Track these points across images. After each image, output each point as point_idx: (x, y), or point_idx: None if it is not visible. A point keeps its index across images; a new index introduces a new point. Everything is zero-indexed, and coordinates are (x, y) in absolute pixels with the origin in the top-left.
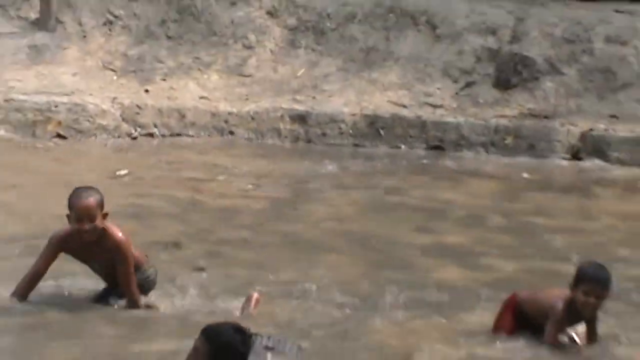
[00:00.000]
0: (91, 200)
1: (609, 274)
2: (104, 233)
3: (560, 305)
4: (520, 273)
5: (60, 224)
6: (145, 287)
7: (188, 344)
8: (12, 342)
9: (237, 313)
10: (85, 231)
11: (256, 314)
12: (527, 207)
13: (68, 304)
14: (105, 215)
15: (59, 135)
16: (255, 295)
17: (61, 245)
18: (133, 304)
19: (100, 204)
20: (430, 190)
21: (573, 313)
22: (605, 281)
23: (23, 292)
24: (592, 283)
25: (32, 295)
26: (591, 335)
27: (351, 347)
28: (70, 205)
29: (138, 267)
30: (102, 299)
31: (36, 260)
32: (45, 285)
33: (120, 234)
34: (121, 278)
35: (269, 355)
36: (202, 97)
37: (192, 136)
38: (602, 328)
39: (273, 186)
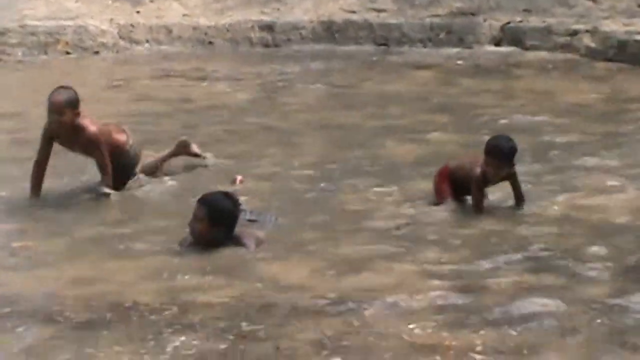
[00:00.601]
0: (58, 97)
1: (513, 146)
2: (79, 127)
3: (477, 172)
4: (455, 145)
5: None
6: (130, 167)
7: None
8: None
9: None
10: (51, 122)
11: (241, 191)
12: (460, 89)
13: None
14: (77, 113)
15: (67, 53)
16: (239, 177)
17: (51, 135)
18: (108, 187)
19: (70, 102)
20: (379, 83)
21: (487, 178)
22: (509, 153)
23: (34, 189)
24: (497, 155)
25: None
26: (517, 196)
27: (319, 212)
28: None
29: (120, 152)
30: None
31: (36, 155)
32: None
33: (92, 128)
34: (97, 165)
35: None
36: (184, 15)
37: (175, 48)
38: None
39: (249, 86)
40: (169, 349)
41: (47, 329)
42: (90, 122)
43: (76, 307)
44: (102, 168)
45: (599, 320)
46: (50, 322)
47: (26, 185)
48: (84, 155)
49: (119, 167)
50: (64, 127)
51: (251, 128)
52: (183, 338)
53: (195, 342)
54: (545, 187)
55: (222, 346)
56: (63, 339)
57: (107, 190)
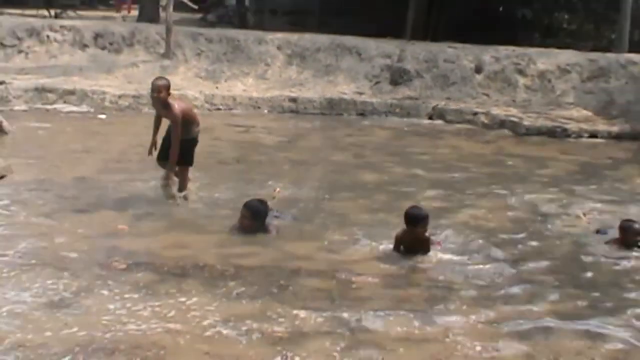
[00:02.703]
0: (158, 81)
1: (423, 213)
2: (167, 105)
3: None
4: (401, 174)
5: None
6: (190, 145)
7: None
8: None
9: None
10: (153, 98)
11: (277, 198)
12: (405, 143)
13: None
14: (168, 93)
15: None
16: (277, 189)
17: (154, 105)
18: (172, 169)
19: (165, 86)
20: (357, 136)
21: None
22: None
23: (153, 140)
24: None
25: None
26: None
27: (319, 213)
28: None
29: (189, 125)
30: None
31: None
32: None
33: (176, 107)
34: (172, 137)
35: (275, 219)
36: (244, 90)
37: (238, 110)
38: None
39: (280, 134)
40: (232, 293)
41: (153, 275)
42: (178, 103)
43: (170, 264)
44: (174, 141)
45: None
46: (155, 271)
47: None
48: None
49: (188, 134)
50: (159, 102)
51: (278, 159)
52: (238, 285)
53: (244, 288)
54: (452, 205)
55: (260, 290)
56: (163, 282)
57: (182, 194)
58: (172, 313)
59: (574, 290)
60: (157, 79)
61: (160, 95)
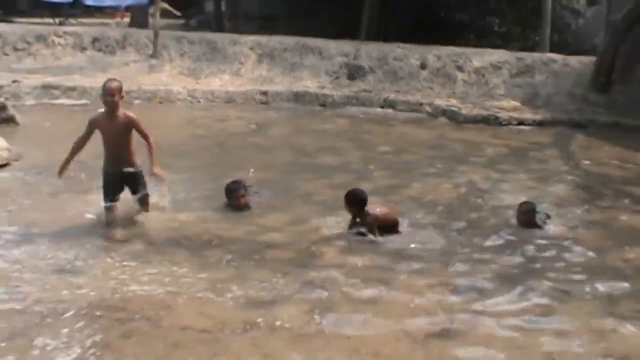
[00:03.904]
0: (111, 83)
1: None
2: (122, 114)
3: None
4: (354, 155)
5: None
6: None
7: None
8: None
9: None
10: (106, 102)
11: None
12: (360, 129)
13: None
14: (121, 97)
15: (160, 102)
16: (252, 170)
17: (93, 123)
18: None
19: (120, 88)
20: (319, 124)
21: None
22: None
23: (66, 160)
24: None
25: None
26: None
27: (288, 191)
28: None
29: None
30: (115, 171)
31: (78, 137)
32: None
33: (131, 114)
34: (142, 135)
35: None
36: (221, 85)
37: (215, 102)
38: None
39: (251, 123)
40: (217, 261)
41: (148, 247)
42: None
43: (162, 236)
44: (146, 136)
45: None
46: (149, 243)
47: None
48: (117, 137)
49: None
50: (111, 107)
51: (249, 144)
52: (223, 255)
53: (229, 257)
54: (402, 182)
55: (242, 259)
56: (156, 253)
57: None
58: (168, 279)
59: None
60: (109, 80)
61: (114, 100)
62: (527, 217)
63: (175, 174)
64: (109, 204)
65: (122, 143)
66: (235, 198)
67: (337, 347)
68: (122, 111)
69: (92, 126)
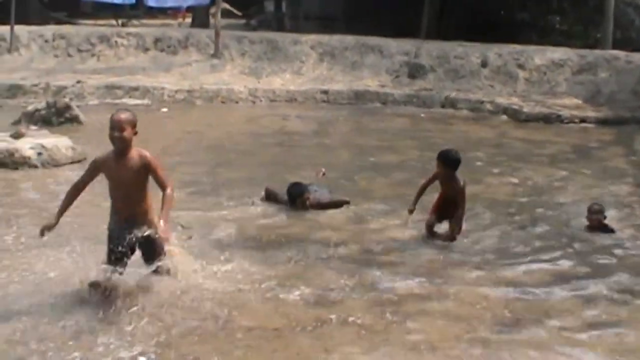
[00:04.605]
0: (120, 115)
1: (457, 155)
2: (136, 154)
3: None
4: (416, 155)
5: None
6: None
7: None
8: None
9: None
10: (113, 138)
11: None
12: (421, 128)
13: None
14: (135, 132)
15: (222, 102)
16: (323, 170)
17: (98, 165)
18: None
19: (131, 122)
20: (379, 123)
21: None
22: (454, 160)
23: (62, 208)
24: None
25: None
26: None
27: (347, 189)
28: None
29: None
30: (122, 235)
31: (77, 180)
32: None
33: (147, 153)
34: (159, 182)
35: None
36: (282, 84)
37: (277, 101)
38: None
39: (312, 122)
40: (284, 260)
41: (215, 243)
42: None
43: (224, 234)
44: (162, 182)
45: None
46: (214, 240)
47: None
48: (127, 183)
49: None
50: (123, 143)
51: (310, 143)
52: (288, 253)
53: (295, 254)
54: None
55: (307, 257)
56: (221, 249)
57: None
58: (240, 276)
59: (563, 252)
60: (118, 111)
61: (123, 135)
62: (597, 218)
63: (236, 172)
64: (107, 274)
65: (134, 192)
66: (301, 203)
67: (397, 342)
68: (136, 150)
69: (95, 168)
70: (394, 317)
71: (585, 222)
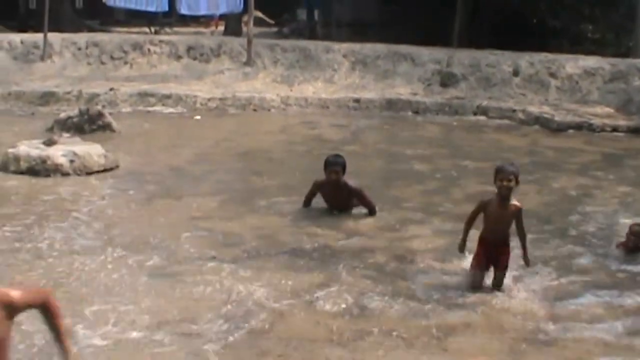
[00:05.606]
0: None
1: (514, 167)
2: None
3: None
4: (449, 162)
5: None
6: None
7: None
8: None
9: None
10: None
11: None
12: (453, 136)
13: None
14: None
15: (254, 110)
16: None
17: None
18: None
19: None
20: (412, 131)
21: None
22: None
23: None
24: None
25: None
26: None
27: (378, 193)
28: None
29: None
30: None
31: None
32: None
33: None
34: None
35: None
36: (314, 92)
37: (309, 109)
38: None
39: (344, 130)
40: (320, 266)
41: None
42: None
43: (286, 244)
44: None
45: None
46: (272, 252)
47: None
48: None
49: None
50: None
51: (344, 151)
52: (321, 258)
53: (328, 263)
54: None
55: (342, 267)
56: (258, 260)
57: None
58: (272, 285)
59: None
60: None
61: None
62: (636, 239)
63: (269, 180)
64: None
65: None
66: (329, 172)
67: (432, 350)
68: None
69: None
70: (433, 330)
71: (620, 239)
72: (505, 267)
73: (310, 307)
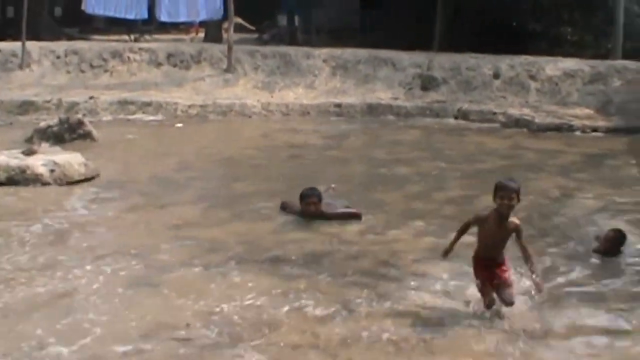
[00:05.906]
0: (512, 184)
1: (516, 183)
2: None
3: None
4: (428, 164)
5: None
6: None
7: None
8: None
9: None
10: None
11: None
12: (434, 140)
13: None
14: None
15: (235, 117)
16: (333, 185)
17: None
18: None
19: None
20: (392, 135)
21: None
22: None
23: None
24: (503, 190)
25: None
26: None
27: (358, 200)
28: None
29: None
30: None
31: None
32: None
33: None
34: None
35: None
36: (295, 98)
37: (290, 115)
38: None
39: (325, 135)
40: (309, 277)
41: (254, 265)
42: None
43: (238, 249)
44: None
45: None
46: (229, 257)
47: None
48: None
49: None
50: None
51: (324, 156)
52: (303, 266)
53: (310, 270)
54: (476, 192)
55: (330, 275)
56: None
57: None
58: (257, 291)
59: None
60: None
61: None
62: (611, 245)
63: (251, 186)
64: None
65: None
66: (306, 204)
67: (420, 353)
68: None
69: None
70: (420, 334)
71: (596, 244)
72: (510, 284)
73: (296, 313)
